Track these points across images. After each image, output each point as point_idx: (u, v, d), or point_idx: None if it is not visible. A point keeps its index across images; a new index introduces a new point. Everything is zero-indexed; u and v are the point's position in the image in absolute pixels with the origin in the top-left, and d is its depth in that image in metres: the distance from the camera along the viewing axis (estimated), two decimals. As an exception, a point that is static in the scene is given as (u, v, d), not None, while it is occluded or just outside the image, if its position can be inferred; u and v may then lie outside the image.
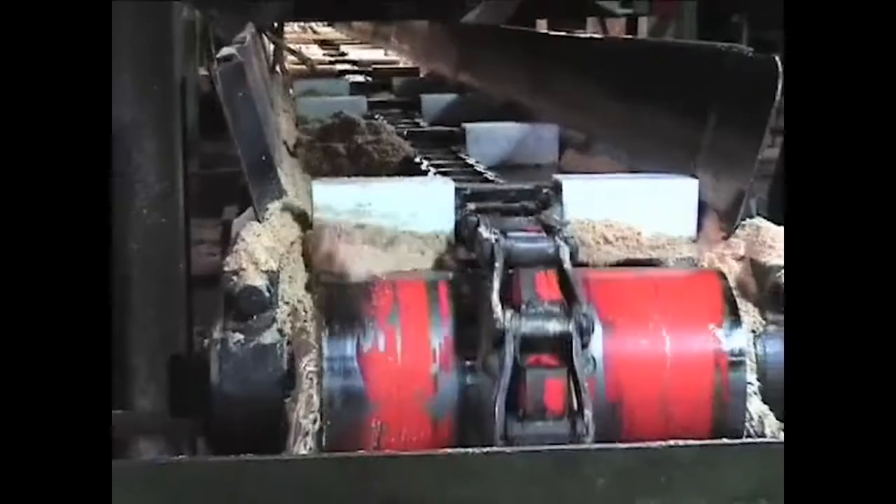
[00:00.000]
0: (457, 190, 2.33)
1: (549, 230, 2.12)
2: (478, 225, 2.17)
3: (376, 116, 4.81)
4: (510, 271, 2.01)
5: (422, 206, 2.26)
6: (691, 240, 2.39)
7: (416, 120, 5.17)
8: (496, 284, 1.96)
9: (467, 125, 4.23)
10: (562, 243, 2.04)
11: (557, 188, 2.37)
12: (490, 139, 4.10)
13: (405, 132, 4.44)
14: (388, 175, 3.55)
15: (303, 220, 2.33)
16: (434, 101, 5.40)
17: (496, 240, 2.03)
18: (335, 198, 2.23)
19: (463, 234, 2.25)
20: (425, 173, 3.52)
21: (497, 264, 1.99)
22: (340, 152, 3.87)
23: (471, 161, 3.85)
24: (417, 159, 3.84)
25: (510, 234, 2.06)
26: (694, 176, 2.45)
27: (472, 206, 2.32)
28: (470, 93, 5.66)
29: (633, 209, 2.37)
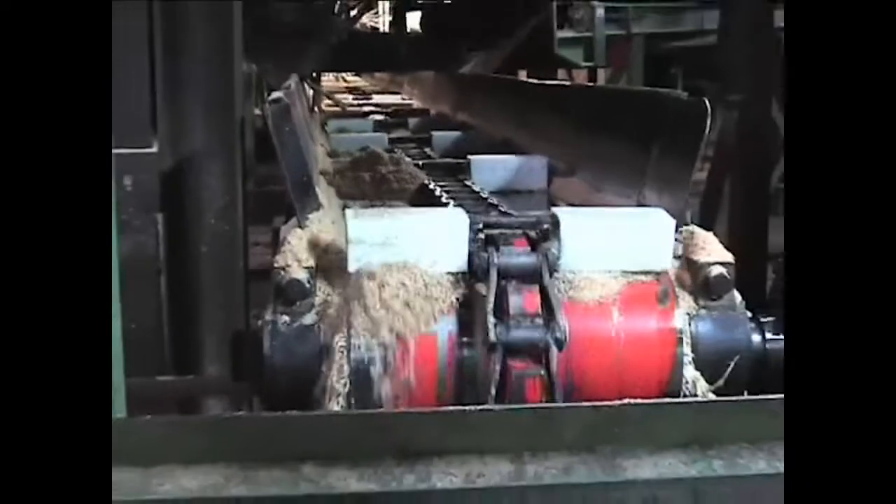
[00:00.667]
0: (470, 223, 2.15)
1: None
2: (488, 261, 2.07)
3: (396, 150, 4.66)
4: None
5: (440, 233, 2.12)
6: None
7: (427, 151, 5.04)
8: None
9: (471, 157, 4.05)
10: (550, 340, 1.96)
11: (556, 223, 2.15)
12: (490, 169, 3.99)
13: (420, 163, 4.29)
14: (407, 199, 3.51)
15: (335, 228, 2.32)
16: (443, 137, 5.30)
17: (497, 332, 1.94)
18: (365, 228, 2.09)
19: (474, 263, 2.09)
20: (439, 198, 3.39)
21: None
22: (366, 180, 3.79)
23: (476, 188, 3.73)
24: (431, 185, 3.71)
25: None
26: (672, 215, 2.23)
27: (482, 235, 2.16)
28: (471, 130, 5.58)
29: (620, 241, 2.14)
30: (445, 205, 3.13)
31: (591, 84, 6.41)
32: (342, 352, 2.01)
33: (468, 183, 3.80)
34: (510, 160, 3.99)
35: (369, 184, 3.72)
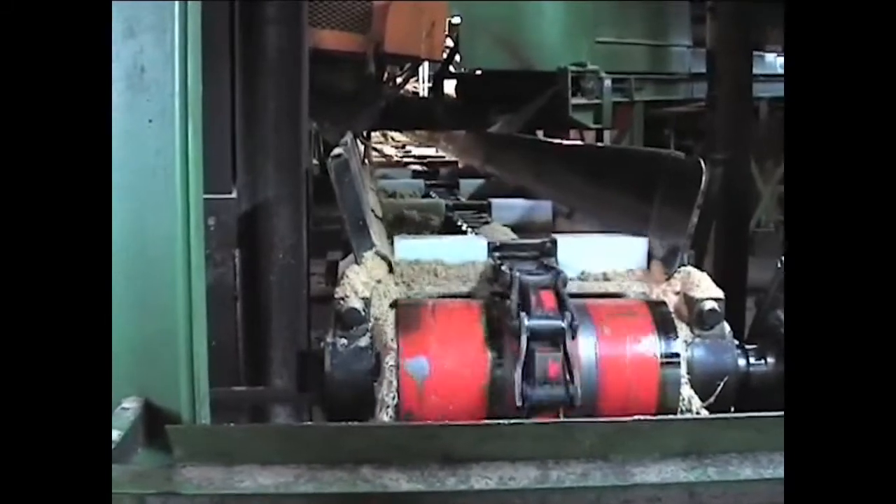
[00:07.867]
0: (489, 244, 2.41)
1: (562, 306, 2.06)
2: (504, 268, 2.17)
3: (432, 194, 4.69)
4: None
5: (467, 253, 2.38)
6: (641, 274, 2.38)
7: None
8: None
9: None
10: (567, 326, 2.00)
11: (554, 243, 2.39)
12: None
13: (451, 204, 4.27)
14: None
15: (387, 263, 2.32)
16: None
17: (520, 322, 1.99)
18: (410, 248, 2.33)
19: (493, 272, 2.28)
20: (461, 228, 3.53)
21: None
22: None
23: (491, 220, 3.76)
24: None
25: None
26: (645, 235, 2.44)
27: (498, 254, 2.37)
28: (492, 178, 5.56)
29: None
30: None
31: (603, 144, 6.39)
32: (391, 369, 2.00)
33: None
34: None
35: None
